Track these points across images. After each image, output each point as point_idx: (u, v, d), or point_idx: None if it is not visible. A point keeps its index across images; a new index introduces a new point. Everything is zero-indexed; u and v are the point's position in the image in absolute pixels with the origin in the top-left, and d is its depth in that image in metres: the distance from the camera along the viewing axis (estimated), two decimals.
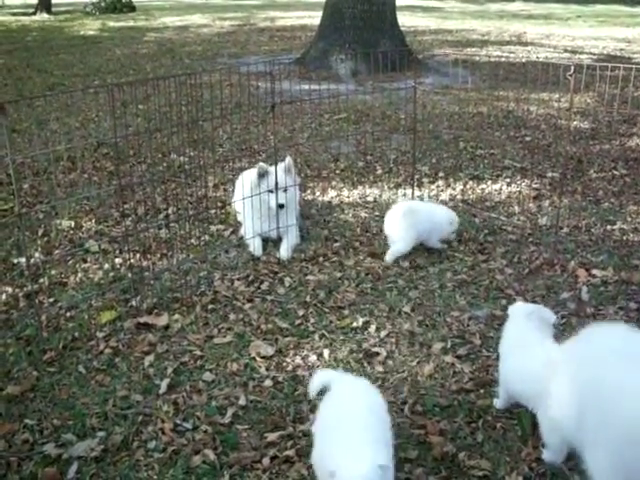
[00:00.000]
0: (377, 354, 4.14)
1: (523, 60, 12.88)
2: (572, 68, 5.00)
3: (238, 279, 5.00)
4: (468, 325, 4.41)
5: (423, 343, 4.25)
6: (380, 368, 4.02)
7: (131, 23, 23.24)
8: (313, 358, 4.10)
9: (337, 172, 7.17)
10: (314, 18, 15.00)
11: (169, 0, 36.23)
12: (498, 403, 3.66)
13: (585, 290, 4.76)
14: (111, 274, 5.05)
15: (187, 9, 28.90)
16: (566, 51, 15.77)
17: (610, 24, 22.83)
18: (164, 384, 3.84)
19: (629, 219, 5.97)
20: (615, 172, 7.13)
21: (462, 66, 12.68)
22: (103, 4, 27.47)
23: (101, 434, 3.48)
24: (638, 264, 5.18)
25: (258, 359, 4.09)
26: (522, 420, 3.52)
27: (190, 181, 6.67)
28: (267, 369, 4.00)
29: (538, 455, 3.34)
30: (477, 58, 13.56)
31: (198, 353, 4.13)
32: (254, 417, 3.61)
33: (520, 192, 6.53)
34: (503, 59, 13.93)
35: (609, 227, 5.79)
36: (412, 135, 6.24)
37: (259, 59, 12.37)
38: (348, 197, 6.51)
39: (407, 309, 4.60)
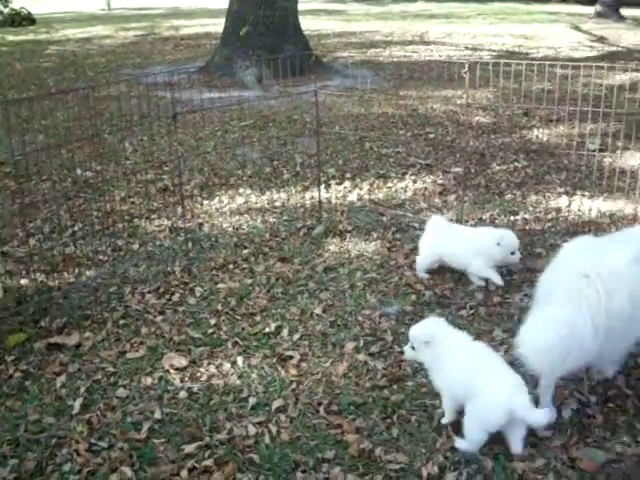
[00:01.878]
0: (291, 357, 4.16)
1: (426, 59, 13.14)
2: (466, 66, 5.14)
3: (149, 292, 4.95)
4: (379, 323, 4.48)
5: (336, 343, 4.29)
6: (294, 371, 4.03)
7: (31, 36, 22.63)
8: (227, 366, 4.09)
9: (244, 179, 7.16)
10: (218, 25, 14.94)
11: (70, 12, 35.48)
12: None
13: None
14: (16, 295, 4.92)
15: (89, 20, 28.31)
16: (467, 48, 16.12)
17: (508, 21, 23.46)
18: (77, 404, 3.77)
19: (531, 209, 6.16)
20: (517, 164, 7.35)
21: (366, 67, 12.88)
22: (1, 17, 26.69)
23: (13, 462, 3.38)
24: (541, 252, 5.35)
25: (172, 371, 4.05)
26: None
27: (97, 196, 6.55)
28: (181, 380, 3.97)
29: (453, 444, 3.42)
30: (381, 59, 13.77)
31: (111, 369, 4.07)
32: (170, 430, 3.58)
33: (426, 188, 6.66)
34: (406, 59, 14.16)
35: (512, 218, 5.97)
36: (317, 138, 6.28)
37: (163, 69, 12.24)
38: (256, 203, 6.51)
39: (319, 311, 4.63)
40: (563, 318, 3.38)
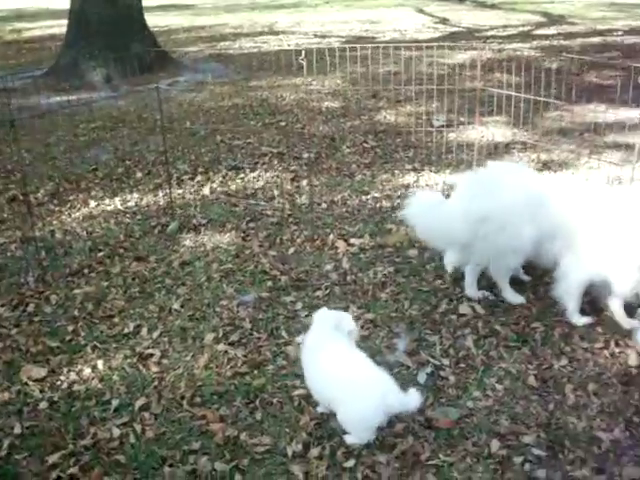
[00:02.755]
0: (151, 355, 4.15)
1: (275, 49, 13.22)
2: (303, 53, 5.23)
3: (2, 305, 4.79)
4: (237, 312, 4.53)
5: (195, 336, 4.31)
6: (156, 369, 4.03)
7: None
8: (87, 371, 4.04)
9: (96, 182, 7.02)
10: (63, 27, 14.49)
11: None
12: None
13: None
14: None
15: None
16: (316, 36, 16.31)
17: (355, 7, 23.85)
18: None
19: (380, 187, 6.37)
20: (366, 145, 7.55)
21: (216, 61, 12.84)
22: None
23: None
24: (392, 228, 5.54)
25: (31, 383, 3.96)
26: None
27: None
28: (41, 391, 3.89)
29: (316, 421, 3.53)
30: (231, 51, 13.77)
31: None
32: (32, 443, 3.51)
33: (278, 176, 6.74)
34: (256, 50, 14.20)
35: (363, 197, 6.15)
36: (168, 135, 6.24)
37: (6, 74, 11.76)
38: (109, 205, 6.41)
39: (177, 306, 4.64)
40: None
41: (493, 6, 21.89)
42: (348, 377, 3.42)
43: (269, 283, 4.83)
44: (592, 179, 6.03)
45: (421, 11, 21.28)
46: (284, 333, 4.30)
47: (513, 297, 4.57)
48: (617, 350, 4.14)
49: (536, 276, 4.81)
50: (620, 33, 15.01)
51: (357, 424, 3.40)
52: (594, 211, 4.20)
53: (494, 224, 4.28)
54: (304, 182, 6.51)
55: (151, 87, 6.60)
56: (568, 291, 4.33)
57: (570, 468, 3.27)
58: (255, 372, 3.95)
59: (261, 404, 3.70)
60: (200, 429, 3.54)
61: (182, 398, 3.77)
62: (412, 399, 3.34)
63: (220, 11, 25.29)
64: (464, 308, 4.47)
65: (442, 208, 4.41)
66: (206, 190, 6.53)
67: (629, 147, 5.33)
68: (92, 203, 6.47)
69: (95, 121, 9.09)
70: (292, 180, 6.61)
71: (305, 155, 7.17)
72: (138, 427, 3.56)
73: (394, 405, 3.33)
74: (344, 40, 15.35)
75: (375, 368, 3.47)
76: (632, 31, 14.74)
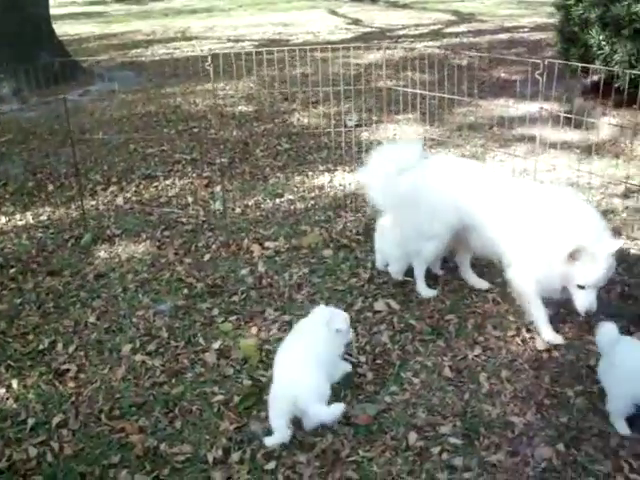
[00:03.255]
0: (68, 371, 4.10)
1: (188, 54, 13.12)
2: (209, 58, 5.23)
3: None
4: (154, 321, 4.51)
5: (112, 349, 4.27)
6: (73, 384, 3.98)
7: None
8: (1, 391, 3.96)
9: (7, 197, 6.85)
10: None
11: None
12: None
13: None
14: None
15: None
16: (230, 40, 16.23)
17: (268, 10, 23.85)
18: None
19: (295, 189, 6.40)
20: (279, 148, 7.58)
21: (128, 69, 12.67)
22: None
23: None
24: (306, 229, 5.59)
25: None
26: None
27: None
28: None
29: (236, 425, 3.56)
30: (143, 59, 13.59)
31: None
32: None
33: (192, 183, 6.70)
34: (169, 56, 14.05)
35: (277, 200, 6.17)
36: (80, 146, 6.14)
37: None
38: (21, 220, 6.26)
39: (93, 319, 4.58)
40: None
41: (405, 6, 22.16)
42: (282, 367, 3.53)
43: (185, 291, 4.82)
44: (501, 171, 6.20)
45: (334, 12, 21.41)
46: (201, 340, 4.30)
47: (425, 291, 4.67)
48: (528, 336, 4.27)
49: (449, 269, 4.92)
50: (526, 30, 15.42)
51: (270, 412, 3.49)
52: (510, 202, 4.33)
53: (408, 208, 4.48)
54: (218, 188, 6.50)
55: (60, 98, 6.46)
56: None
57: (485, 454, 3.37)
58: (173, 381, 3.94)
59: (180, 413, 3.69)
60: (119, 442, 3.52)
61: (100, 412, 3.73)
62: (327, 412, 3.34)
63: (132, 18, 24.94)
64: (379, 305, 4.54)
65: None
66: (120, 200, 6.45)
67: (533, 139, 5.49)
68: (2, 219, 6.31)
69: (4, 134, 8.86)
70: (206, 186, 6.58)
71: (219, 161, 7.09)
72: (56, 445, 3.52)
73: (305, 411, 3.36)
74: (257, 44, 15.34)
75: (309, 372, 3.45)
76: (537, 27, 15.13)
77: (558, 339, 4.18)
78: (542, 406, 3.68)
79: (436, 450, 3.39)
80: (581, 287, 3.90)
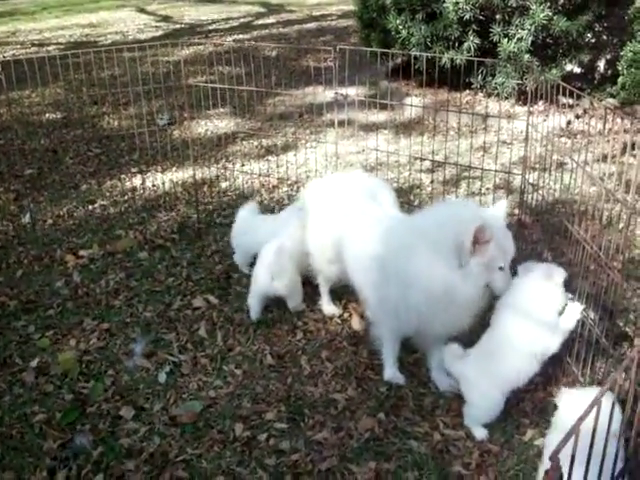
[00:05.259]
0: None
1: None
2: None
3: None
4: None
5: None
6: None
7: None
8: None
9: None
10: None
11: None
12: None
13: None
14: None
15: None
16: (34, 45, 15.59)
17: (75, 12, 23.07)
18: None
19: (107, 194, 6.27)
20: (90, 153, 7.38)
21: None
22: None
23: None
24: (121, 233, 5.50)
25: None
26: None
27: None
28: None
29: (60, 442, 3.46)
30: None
31: None
32: None
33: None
34: None
35: (90, 207, 6.02)
36: None
37: None
38: None
39: None
40: None
41: (215, 0, 22.12)
42: None
43: None
44: (312, 157, 6.35)
45: (142, 11, 21.04)
46: (18, 360, 4.13)
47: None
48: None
49: None
50: (334, 18, 15.81)
51: None
52: None
53: None
54: (27, 200, 6.24)
55: None
56: None
57: (311, 433, 3.48)
58: None
59: (1, 438, 3.54)
60: None
61: None
62: None
63: None
64: (198, 301, 4.55)
65: None
66: None
67: (342, 124, 5.65)
68: None
69: None
70: (15, 200, 6.27)
71: (27, 172, 6.85)
72: None
73: None
74: (64, 47, 14.83)
75: None
76: (344, 15, 15.54)
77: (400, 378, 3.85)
78: (362, 380, 3.84)
79: (263, 437, 3.46)
80: (501, 269, 3.41)
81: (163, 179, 6.35)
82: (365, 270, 3.84)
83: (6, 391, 3.88)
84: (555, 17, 7.37)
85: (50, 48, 14.92)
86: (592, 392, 2.38)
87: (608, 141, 3.46)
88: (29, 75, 5.27)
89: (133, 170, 6.76)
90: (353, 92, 6.95)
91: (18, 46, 15.73)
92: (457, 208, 3.76)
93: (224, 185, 6.39)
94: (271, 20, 16.31)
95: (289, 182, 6.20)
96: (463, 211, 3.56)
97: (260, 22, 16.27)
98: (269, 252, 4.23)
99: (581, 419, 1.84)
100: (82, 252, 5.21)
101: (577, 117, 6.40)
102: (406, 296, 3.54)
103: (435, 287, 3.40)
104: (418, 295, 3.47)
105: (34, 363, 4.07)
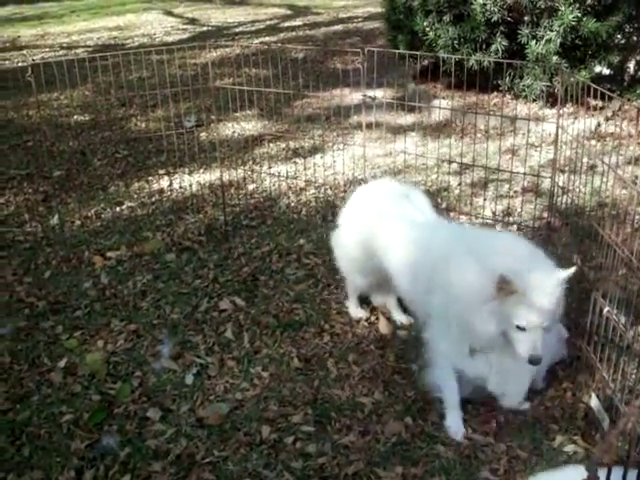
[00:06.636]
0: None
1: (19, 65, 12.62)
2: (30, 69, 5.06)
3: None
4: None
5: None
6: None
7: None
8: None
9: None
10: None
11: None
12: None
13: None
14: None
15: None
16: (62, 48, 15.72)
17: (102, 15, 23.27)
18: None
19: (135, 196, 6.30)
20: (118, 155, 7.41)
21: None
22: None
23: None
24: (148, 235, 5.52)
25: None
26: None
27: None
28: None
29: (87, 442, 3.48)
30: None
31: None
32: None
33: (28, 199, 6.44)
34: None
35: (118, 209, 6.05)
36: None
37: None
38: None
39: None
40: None
41: (242, 3, 22.19)
42: None
43: (26, 311, 4.63)
44: (339, 160, 6.34)
45: (169, 13, 21.17)
46: (46, 360, 4.15)
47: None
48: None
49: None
50: (360, 20, 15.79)
51: None
52: None
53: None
54: (55, 202, 6.29)
55: None
56: None
57: (337, 437, 3.46)
58: (18, 406, 3.79)
59: (28, 439, 3.56)
60: None
61: None
62: None
63: None
64: (224, 304, 4.55)
65: None
66: None
67: (370, 127, 5.64)
68: None
69: None
70: (43, 201, 6.33)
71: (56, 174, 6.91)
72: None
73: None
74: (92, 50, 14.94)
75: None
76: (371, 17, 15.51)
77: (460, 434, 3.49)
78: (389, 384, 3.81)
79: (289, 440, 3.45)
80: (521, 329, 3.15)
81: (190, 181, 6.38)
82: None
83: (34, 391, 3.90)
84: (584, 18, 7.29)
85: (78, 51, 15.03)
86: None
87: (639, 143, 3.42)
88: (58, 77, 5.33)
89: (160, 172, 6.79)
90: (381, 94, 6.95)
91: (47, 49, 15.87)
92: (518, 251, 3.35)
93: (251, 187, 6.39)
94: (297, 22, 16.32)
95: (316, 185, 6.19)
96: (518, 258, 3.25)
97: (286, 24, 16.29)
98: None
99: None
100: (110, 254, 5.24)
101: (607, 119, 6.34)
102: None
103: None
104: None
105: (62, 363, 4.10)
